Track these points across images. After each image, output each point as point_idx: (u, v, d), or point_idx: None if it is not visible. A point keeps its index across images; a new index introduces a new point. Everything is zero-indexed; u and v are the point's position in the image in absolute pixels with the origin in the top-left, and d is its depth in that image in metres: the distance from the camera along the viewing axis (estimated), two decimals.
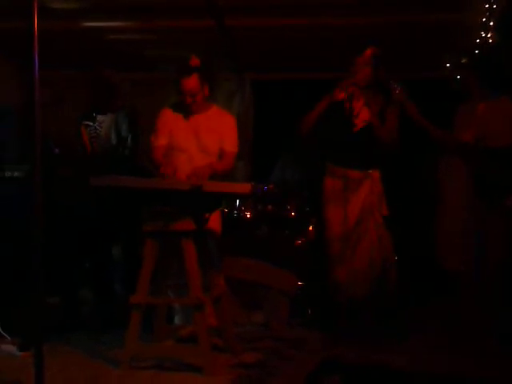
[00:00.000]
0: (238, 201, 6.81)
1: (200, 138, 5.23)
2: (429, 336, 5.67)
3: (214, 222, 5.18)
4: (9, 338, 5.23)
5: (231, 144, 5.31)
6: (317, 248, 6.50)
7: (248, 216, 6.94)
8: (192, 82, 5.15)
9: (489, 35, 6.15)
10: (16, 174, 5.80)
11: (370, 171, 5.64)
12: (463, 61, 5.97)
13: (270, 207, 6.96)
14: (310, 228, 6.83)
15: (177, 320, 5.41)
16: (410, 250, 6.96)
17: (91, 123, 6.26)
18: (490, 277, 5.49)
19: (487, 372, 4.62)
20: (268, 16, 6.27)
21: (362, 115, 5.61)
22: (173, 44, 7.20)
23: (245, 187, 4.62)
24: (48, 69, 4.22)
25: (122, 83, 6.51)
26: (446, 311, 6.13)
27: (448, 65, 6.25)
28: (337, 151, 5.69)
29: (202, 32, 6.74)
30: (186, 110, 5.30)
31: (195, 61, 5.20)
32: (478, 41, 6.32)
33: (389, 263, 5.57)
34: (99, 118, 6.26)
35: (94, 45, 7.14)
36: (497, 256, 5.45)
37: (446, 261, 5.92)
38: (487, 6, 5.80)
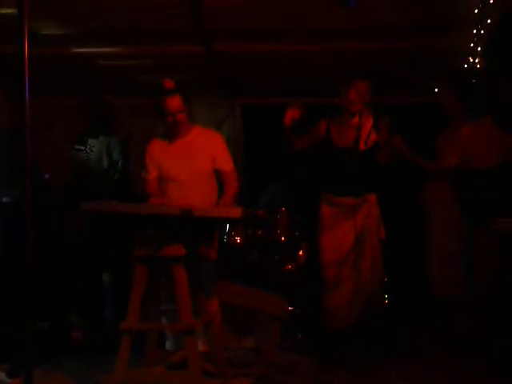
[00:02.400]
0: (228, 226, 6.81)
1: (191, 162, 5.22)
2: (420, 357, 5.67)
3: (210, 247, 5.18)
4: None
5: (226, 162, 5.32)
6: (307, 273, 6.49)
7: (238, 241, 6.93)
8: (176, 101, 5.15)
9: (476, 60, 6.20)
10: (5, 199, 5.78)
11: (367, 196, 5.62)
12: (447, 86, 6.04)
13: (260, 232, 6.96)
14: (300, 253, 6.81)
15: (168, 345, 5.38)
16: (403, 274, 6.98)
17: (82, 147, 6.27)
18: (481, 299, 5.50)
19: None
20: (257, 41, 6.30)
21: (372, 135, 5.59)
22: (163, 69, 7.22)
23: (235, 212, 4.61)
24: (39, 95, 4.23)
25: (119, 107, 6.55)
26: (437, 333, 6.14)
27: (436, 90, 6.30)
28: (333, 182, 5.71)
29: (192, 57, 6.77)
30: (172, 134, 5.29)
31: (169, 83, 5.20)
32: (465, 66, 6.37)
33: (378, 286, 5.56)
34: (90, 141, 6.27)
35: (84, 71, 7.15)
36: (486, 278, 5.46)
37: (435, 285, 5.94)
38: (475, 31, 5.84)
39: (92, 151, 6.28)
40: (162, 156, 5.28)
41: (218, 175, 5.32)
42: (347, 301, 5.54)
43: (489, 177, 5.47)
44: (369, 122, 5.56)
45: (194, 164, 5.23)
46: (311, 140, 5.78)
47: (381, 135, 5.52)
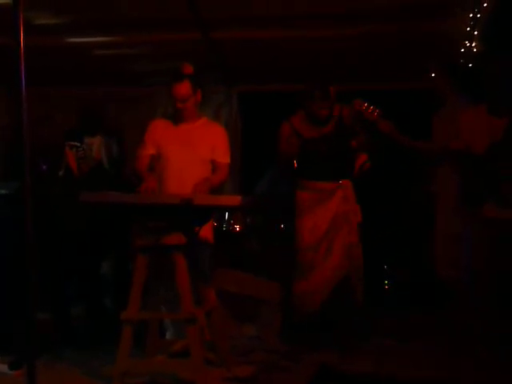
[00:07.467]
0: (227, 214, 6.80)
1: (193, 147, 5.22)
2: (424, 343, 5.68)
3: (207, 234, 5.18)
4: None
5: (224, 155, 5.32)
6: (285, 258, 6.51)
7: (237, 229, 6.93)
8: (184, 88, 5.17)
9: (473, 44, 6.19)
10: (3, 191, 5.76)
11: (342, 181, 5.71)
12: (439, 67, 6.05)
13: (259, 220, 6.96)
14: None
15: (168, 336, 5.38)
16: (407, 259, 6.99)
17: (78, 144, 6.21)
18: (477, 285, 5.51)
19: (475, 377, 4.64)
20: (254, 28, 6.28)
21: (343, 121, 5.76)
22: (160, 57, 7.20)
23: (234, 200, 4.62)
24: (34, 85, 4.21)
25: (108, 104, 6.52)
26: (438, 317, 6.15)
27: (428, 72, 6.29)
28: (309, 166, 5.79)
29: (189, 45, 6.74)
30: (177, 118, 5.31)
31: (188, 68, 5.24)
32: (462, 50, 6.35)
33: (355, 272, 5.59)
34: (87, 139, 6.22)
35: (78, 60, 7.12)
36: (480, 264, 5.46)
37: (439, 266, 5.95)
38: (471, 15, 5.82)
39: (91, 149, 6.23)
40: (162, 135, 5.29)
41: (213, 166, 5.31)
42: (316, 287, 5.62)
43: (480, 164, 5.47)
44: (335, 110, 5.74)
45: (192, 149, 5.22)
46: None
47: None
